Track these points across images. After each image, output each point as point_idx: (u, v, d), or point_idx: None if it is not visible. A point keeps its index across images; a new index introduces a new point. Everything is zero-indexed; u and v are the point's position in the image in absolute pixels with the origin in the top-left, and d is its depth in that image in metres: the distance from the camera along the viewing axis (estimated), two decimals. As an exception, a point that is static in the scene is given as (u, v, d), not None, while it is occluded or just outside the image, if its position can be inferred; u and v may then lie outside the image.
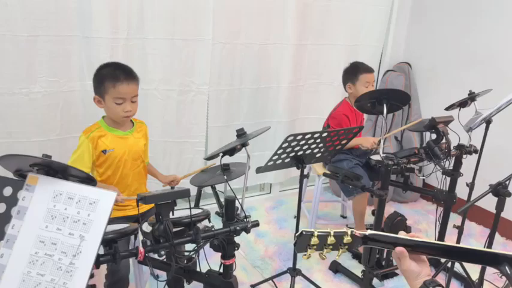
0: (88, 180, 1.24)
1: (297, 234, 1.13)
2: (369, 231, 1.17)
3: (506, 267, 1.11)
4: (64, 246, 1.11)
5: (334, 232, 1.12)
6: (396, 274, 2.47)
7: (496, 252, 1.13)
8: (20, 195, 1.17)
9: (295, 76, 3.11)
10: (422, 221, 3.12)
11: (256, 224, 1.57)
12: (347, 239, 1.14)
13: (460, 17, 3.14)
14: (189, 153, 2.85)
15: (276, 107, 3.11)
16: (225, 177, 1.63)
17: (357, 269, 2.49)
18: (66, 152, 2.47)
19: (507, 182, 1.80)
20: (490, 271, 2.19)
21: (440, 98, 2.61)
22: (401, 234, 1.18)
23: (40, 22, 2.23)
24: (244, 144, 1.61)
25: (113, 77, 1.82)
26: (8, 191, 1.18)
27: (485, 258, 1.16)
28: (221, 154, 1.60)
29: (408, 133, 3.43)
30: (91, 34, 2.39)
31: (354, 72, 2.62)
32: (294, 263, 2.12)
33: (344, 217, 3.17)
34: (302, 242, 1.13)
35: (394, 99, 2.04)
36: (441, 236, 2.53)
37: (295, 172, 3.26)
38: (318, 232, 1.11)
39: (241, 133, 1.68)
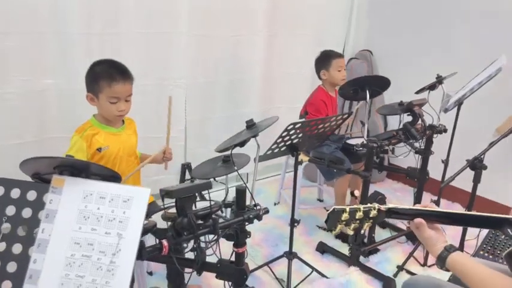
0: (113, 178, 1.23)
1: (328, 212, 1.21)
2: (391, 205, 1.27)
3: (508, 229, 1.25)
4: (102, 246, 1.10)
5: (364, 207, 1.21)
6: (379, 250, 2.63)
7: (499, 216, 1.27)
8: (46, 198, 1.14)
9: (267, 67, 3.17)
10: (392, 199, 3.32)
11: (266, 211, 1.62)
12: (373, 213, 1.23)
13: (419, 4, 3.33)
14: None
15: (250, 97, 3.16)
16: (235, 167, 1.66)
17: (342, 248, 2.63)
18: (43, 153, 2.38)
19: (482, 157, 1.99)
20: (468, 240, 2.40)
21: (399, 82, 2.78)
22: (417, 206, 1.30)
23: (11, 18, 2.12)
24: (254, 136, 1.65)
25: (108, 76, 1.78)
26: (32, 195, 1.15)
27: (490, 222, 1.30)
28: (232, 146, 1.63)
29: (373, 118, 3.61)
30: (64, 30, 2.31)
31: (326, 59, 2.73)
32: (290, 247, 2.21)
33: (321, 200, 3.30)
34: (333, 219, 1.21)
35: (375, 85, 2.16)
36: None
37: (270, 161, 3.36)
38: (350, 208, 1.20)
39: (251, 124, 1.71)
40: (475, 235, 2.53)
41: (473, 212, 1.33)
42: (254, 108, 3.19)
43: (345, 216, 1.23)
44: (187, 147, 2.98)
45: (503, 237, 2.53)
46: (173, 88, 2.74)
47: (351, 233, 1.26)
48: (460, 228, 2.38)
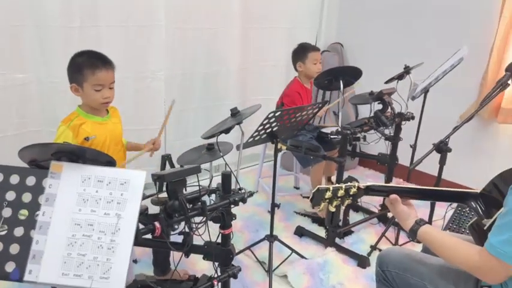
0: (109, 163, 1.30)
1: (313, 191, 1.33)
2: (369, 183, 1.40)
3: (472, 202, 1.40)
4: (101, 226, 1.18)
5: (345, 185, 1.34)
6: (353, 232, 2.78)
7: (464, 191, 1.42)
8: (45, 183, 1.20)
9: (243, 59, 3.26)
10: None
11: (251, 194, 1.72)
12: (353, 191, 1.36)
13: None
14: (148, 139, 2.88)
15: (227, 89, 3.24)
16: (221, 153, 1.75)
17: (318, 231, 2.76)
18: (24, 147, 2.40)
19: (447, 140, 2.15)
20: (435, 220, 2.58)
21: (370, 73, 2.92)
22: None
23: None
24: (239, 123, 1.74)
25: (91, 64, 1.83)
26: (31, 180, 1.20)
27: (456, 197, 1.44)
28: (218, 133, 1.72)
29: (345, 108, 3.75)
30: (44, 23, 2.33)
31: (302, 51, 2.84)
32: (271, 230, 2.31)
33: (297, 188, 3.43)
34: (318, 197, 1.33)
35: (348, 75, 2.29)
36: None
37: (249, 151, 3.46)
38: (333, 187, 1.32)
39: (235, 112, 1.80)
40: (442, 216, 2.72)
41: (441, 188, 1.47)
42: (231, 100, 3.27)
43: (328, 194, 1.35)
44: (167, 138, 3.03)
45: (466, 216, 2.74)
46: (152, 80, 2.79)
47: (333, 209, 1.38)
48: (427, 210, 2.55)
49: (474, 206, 1.38)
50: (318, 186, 1.35)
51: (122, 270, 1.15)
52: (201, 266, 2.32)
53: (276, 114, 1.86)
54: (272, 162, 3.38)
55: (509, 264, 1.14)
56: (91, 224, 1.18)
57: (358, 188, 1.38)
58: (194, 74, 3.03)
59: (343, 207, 1.48)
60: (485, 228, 1.30)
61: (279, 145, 2.81)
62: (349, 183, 1.37)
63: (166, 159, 2.54)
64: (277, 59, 3.45)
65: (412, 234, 1.37)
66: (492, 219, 1.26)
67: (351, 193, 1.37)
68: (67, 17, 2.37)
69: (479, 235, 1.34)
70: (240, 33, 3.15)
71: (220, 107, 3.26)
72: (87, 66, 1.83)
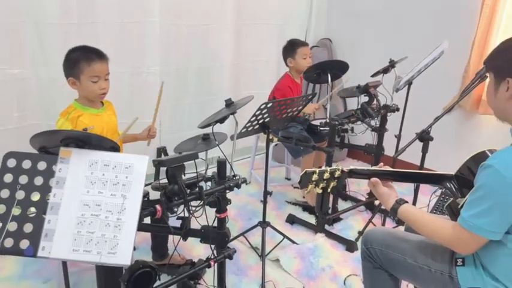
0: (113, 149, 1.40)
1: (301, 174, 1.45)
2: (352, 167, 1.53)
3: (447, 183, 1.52)
4: (108, 206, 1.28)
5: (330, 169, 1.46)
6: (341, 219, 2.91)
7: (439, 173, 1.54)
8: (55, 168, 1.30)
9: (236, 55, 3.36)
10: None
11: (244, 180, 1.83)
12: (338, 174, 1.48)
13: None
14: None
15: (221, 84, 3.34)
16: (217, 142, 1.86)
17: (309, 219, 2.89)
18: (25, 140, 2.47)
19: (429, 129, 2.28)
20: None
21: (358, 67, 3.04)
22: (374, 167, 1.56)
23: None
24: (233, 113, 1.85)
25: (86, 57, 1.93)
26: (42, 165, 1.30)
27: (433, 178, 1.57)
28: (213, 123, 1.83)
29: (334, 101, 3.88)
30: (43, 20, 2.41)
31: (292, 47, 2.95)
32: (264, 217, 2.42)
33: (288, 179, 3.55)
34: (305, 179, 1.45)
35: (336, 68, 2.41)
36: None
37: (241, 144, 3.56)
38: (319, 170, 1.44)
39: (229, 103, 1.91)
40: (426, 203, 2.86)
41: (418, 171, 1.60)
42: (224, 94, 3.34)
43: (314, 177, 1.47)
44: (161, 133, 3.13)
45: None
46: (147, 75, 2.88)
47: (319, 191, 1.50)
48: (411, 197, 2.67)
49: (449, 186, 1.51)
50: (306, 169, 1.47)
51: (128, 246, 1.25)
52: (197, 252, 2.43)
53: (268, 105, 1.97)
54: (264, 155, 3.52)
55: (479, 236, 1.26)
56: (98, 204, 1.28)
57: (342, 171, 1.50)
58: (188, 69, 3.13)
59: (331, 194, 1.59)
60: (459, 206, 1.42)
61: (271, 137, 2.94)
62: (333, 167, 1.49)
63: (161, 151, 2.64)
64: (268, 55, 3.56)
65: (393, 213, 1.49)
66: (465, 198, 1.38)
67: (336, 175, 1.49)
68: (65, 14, 2.46)
69: (455, 213, 1.46)
70: (232, 30, 3.25)
71: (214, 101, 3.35)
72: (82, 59, 1.93)
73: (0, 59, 2.33)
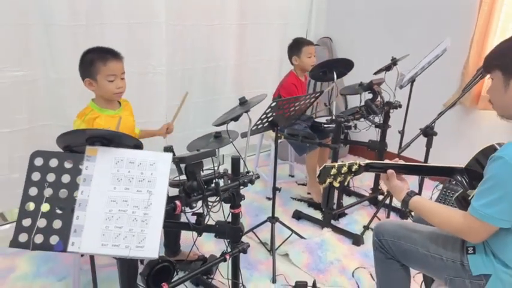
0: (137, 146, 1.44)
1: (321, 168, 1.50)
2: (369, 161, 1.58)
3: (458, 176, 1.59)
4: (135, 201, 1.32)
5: (348, 163, 1.51)
6: (346, 214, 2.97)
7: (450, 166, 1.60)
8: (82, 166, 1.34)
9: (239, 54, 3.41)
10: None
11: (258, 177, 1.88)
12: (355, 168, 1.54)
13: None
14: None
15: (225, 84, 3.39)
16: (231, 139, 1.91)
17: (315, 214, 2.95)
18: (36, 141, 2.53)
19: (433, 125, 2.34)
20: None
21: (358, 65, 3.08)
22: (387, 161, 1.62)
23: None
24: (247, 111, 1.90)
25: (102, 57, 1.97)
26: (68, 164, 1.34)
27: (444, 171, 1.63)
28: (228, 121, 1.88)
29: (335, 99, 3.94)
30: (50, 22, 2.44)
31: (297, 46, 3.00)
32: (273, 212, 2.48)
33: (292, 176, 3.61)
34: (324, 174, 1.51)
35: (341, 66, 2.46)
36: (377, 176, 3.10)
37: (244, 142, 3.60)
38: (337, 164, 1.49)
39: (243, 101, 1.96)
40: (429, 197, 2.93)
41: (431, 164, 1.65)
42: (228, 94, 3.42)
43: (333, 171, 1.53)
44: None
45: (451, 196, 2.94)
46: (154, 75, 2.92)
47: (337, 185, 1.56)
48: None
49: (460, 179, 1.57)
50: (325, 164, 1.52)
51: (155, 240, 1.30)
52: (208, 248, 2.48)
53: (277, 104, 2.02)
54: (268, 152, 3.59)
55: (489, 224, 1.33)
56: (125, 200, 1.32)
57: (359, 165, 1.56)
58: (193, 69, 3.17)
59: (337, 190, 1.62)
60: (469, 198, 1.48)
61: (272, 136, 2.99)
62: (351, 161, 1.55)
63: (168, 150, 2.69)
64: (271, 54, 3.61)
65: (405, 205, 1.55)
66: (476, 190, 1.44)
67: (353, 170, 1.55)
68: (74, 15, 2.49)
69: (463, 205, 1.52)
70: (235, 30, 3.30)
71: (218, 101, 3.41)
72: (98, 59, 1.96)
73: (9, 61, 2.35)
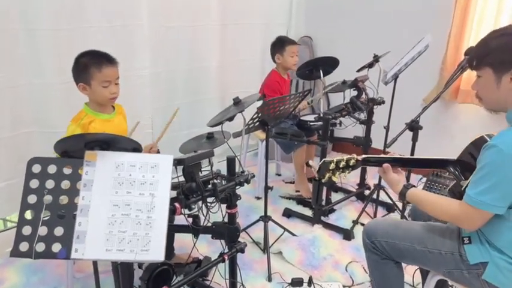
0: (136, 150, 1.43)
1: (320, 163, 1.52)
2: (364, 155, 1.62)
3: (451, 168, 1.63)
4: (138, 205, 1.31)
5: (346, 158, 1.54)
6: (335, 209, 3.01)
7: (443, 158, 1.65)
8: (82, 171, 1.32)
9: (222, 55, 3.41)
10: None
11: (253, 176, 1.89)
12: (353, 162, 1.57)
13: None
14: (137, 135, 2.97)
15: (209, 84, 3.38)
16: (225, 139, 1.91)
17: (304, 211, 2.98)
18: (19, 148, 2.46)
19: (418, 119, 2.40)
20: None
21: (339, 63, 3.15)
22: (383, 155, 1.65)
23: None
24: (241, 111, 1.90)
25: (96, 62, 1.93)
26: (67, 169, 1.32)
27: (437, 164, 1.67)
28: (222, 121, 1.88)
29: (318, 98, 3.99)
30: (32, 27, 2.38)
31: (281, 44, 3.02)
32: (265, 211, 2.49)
33: (279, 175, 3.63)
34: (323, 168, 1.53)
35: (327, 65, 2.50)
36: (363, 171, 3.16)
37: (230, 143, 3.60)
38: (336, 159, 1.52)
39: (237, 101, 1.96)
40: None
41: (425, 157, 1.70)
42: (213, 94, 3.42)
43: (332, 166, 1.55)
44: (155, 134, 3.14)
45: (435, 188, 3.03)
46: (137, 78, 2.88)
47: (336, 179, 1.58)
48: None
49: (453, 170, 1.62)
50: (324, 159, 1.55)
51: (161, 243, 1.29)
52: (201, 250, 2.46)
53: (268, 103, 2.03)
54: (255, 152, 3.60)
55: (485, 211, 1.37)
56: (128, 204, 1.31)
57: (357, 159, 1.59)
58: (177, 70, 3.15)
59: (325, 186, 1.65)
60: (462, 188, 1.52)
61: (263, 134, 3.00)
62: (349, 156, 1.58)
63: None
64: (253, 54, 3.63)
65: (402, 197, 1.59)
66: (468, 180, 1.49)
67: (351, 164, 1.58)
68: (55, 19, 2.43)
69: (457, 196, 1.57)
70: (218, 30, 3.30)
71: (203, 102, 3.40)
72: (92, 64, 1.93)
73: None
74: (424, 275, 1.86)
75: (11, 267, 2.31)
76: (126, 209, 1.31)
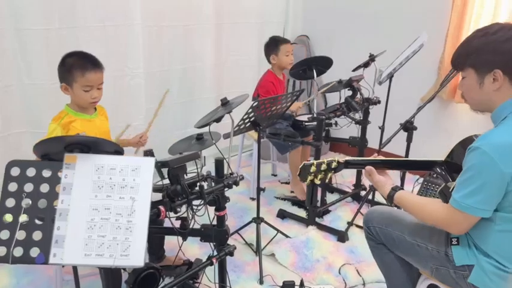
0: (117, 152, 1.41)
1: (300, 166, 1.50)
2: (348, 158, 1.59)
3: (438, 169, 1.60)
4: (117, 209, 1.28)
5: (327, 160, 1.52)
6: (330, 211, 2.98)
7: (430, 160, 1.62)
8: (61, 174, 1.29)
9: (217, 54, 3.38)
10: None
11: (242, 178, 1.86)
12: (334, 165, 1.54)
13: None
14: (131, 135, 2.96)
15: (203, 84, 3.36)
16: (213, 140, 1.88)
17: (299, 212, 2.95)
18: (9, 149, 2.44)
19: (413, 119, 2.37)
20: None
21: (336, 63, 3.10)
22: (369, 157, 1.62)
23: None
24: (229, 112, 1.87)
25: (81, 65, 1.90)
26: (47, 172, 1.29)
27: (424, 165, 1.64)
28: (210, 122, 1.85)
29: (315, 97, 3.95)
30: (22, 26, 2.37)
31: (275, 44, 2.98)
32: (258, 213, 2.46)
33: (275, 175, 3.60)
34: (304, 171, 1.50)
35: (320, 64, 2.46)
36: (359, 172, 3.13)
37: (227, 143, 3.58)
38: (316, 162, 1.49)
39: (225, 102, 1.93)
40: (410, 190, 2.96)
41: (410, 158, 1.67)
42: (207, 94, 3.39)
43: (313, 168, 1.52)
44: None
45: (431, 189, 2.98)
46: (131, 78, 2.87)
47: (318, 182, 1.56)
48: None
49: (439, 171, 1.59)
50: (304, 162, 1.52)
51: (141, 248, 1.26)
52: (193, 252, 2.45)
53: (259, 103, 2.00)
54: (250, 152, 3.57)
55: (470, 215, 1.34)
56: (108, 208, 1.29)
57: (338, 162, 1.56)
58: (171, 70, 3.13)
59: (319, 187, 1.64)
60: (450, 190, 1.49)
61: (253, 136, 2.98)
62: (330, 159, 1.55)
63: (148, 154, 2.64)
64: (249, 53, 3.60)
65: (389, 200, 1.56)
66: (455, 182, 1.46)
67: (333, 167, 1.55)
68: (46, 19, 2.42)
69: (447, 197, 1.54)
70: (213, 29, 3.27)
71: (198, 102, 3.38)
72: (77, 67, 1.90)
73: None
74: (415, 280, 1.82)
75: (1, 270, 2.29)
76: (105, 213, 1.28)
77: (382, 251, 1.74)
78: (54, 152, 1.34)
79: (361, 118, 2.94)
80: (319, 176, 1.55)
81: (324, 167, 1.54)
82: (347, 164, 1.59)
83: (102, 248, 1.26)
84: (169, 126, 3.28)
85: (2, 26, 2.29)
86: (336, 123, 2.93)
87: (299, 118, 3.06)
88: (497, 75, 1.34)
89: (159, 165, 1.49)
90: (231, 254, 1.90)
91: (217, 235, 1.87)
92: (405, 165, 1.71)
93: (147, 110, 3.03)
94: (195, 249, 2.48)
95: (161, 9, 2.93)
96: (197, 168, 1.63)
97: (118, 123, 2.86)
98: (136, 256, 1.26)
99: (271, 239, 2.57)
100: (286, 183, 3.40)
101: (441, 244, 1.52)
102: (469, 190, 1.33)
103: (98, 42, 2.65)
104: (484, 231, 1.41)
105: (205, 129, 2.09)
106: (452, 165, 1.57)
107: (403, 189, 1.56)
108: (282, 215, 2.91)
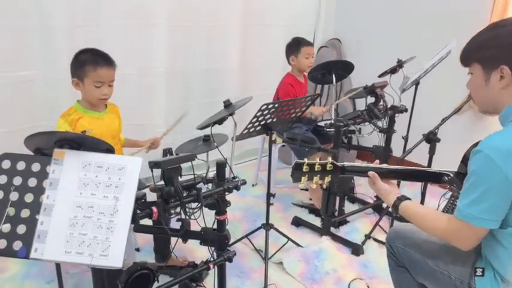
0: (109, 151, 1.39)
1: (292, 166, 1.42)
2: (345, 163, 1.49)
3: (448, 180, 1.48)
4: (101, 207, 1.27)
5: (321, 161, 1.43)
6: (348, 221, 2.86)
7: (437, 171, 1.49)
8: (49, 169, 1.29)
9: (242, 56, 3.34)
10: (360, 178, 3.55)
11: (244, 182, 1.81)
12: (329, 167, 1.45)
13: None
14: (150, 135, 2.96)
15: (227, 85, 3.33)
16: (215, 143, 1.84)
17: (315, 221, 2.85)
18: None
19: (436, 131, 2.22)
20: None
21: (367, 68, 2.99)
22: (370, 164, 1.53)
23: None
24: (231, 114, 1.83)
25: (93, 61, 1.93)
26: (36, 166, 1.30)
27: (431, 176, 1.52)
28: (212, 123, 1.81)
29: (343, 102, 3.83)
30: (47, 23, 2.43)
31: (296, 45, 2.91)
32: (267, 219, 2.40)
33: (296, 181, 3.51)
34: (297, 172, 1.42)
35: (340, 69, 2.37)
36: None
37: (248, 146, 3.54)
38: (308, 161, 1.41)
39: (228, 104, 1.89)
40: (435, 206, 2.80)
41: (417, 168, 1.55)
42: (231, 95, 3.33)
43: (305, 168, 1.44)
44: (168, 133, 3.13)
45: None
46: (153, 77, 2.88)
47: (313, 186, 1.47)
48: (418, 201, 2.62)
49: (450, 182, 1.46)
50: (296, 160, 1.44)
51: (120, 249, 1.24)
52: (199, 254, 2.42)
53: (269, 106, 1.94)
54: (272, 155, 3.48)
55: (473, 225, 1.21)
56: (91, 206, 1.27)
57: (334, 164, 1.46)
58: (195, 70, 3.13)
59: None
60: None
61: (276, 138, 2.91)
62: (325, 160, 1.47)
63: (167, 153, 2.64)
64: (276, 56, 3.51)
65: (395, 209, 1.45)
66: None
67: (327, 169, 1.46)
68: (72, 16, 2.48)
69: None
70: (240, 31, 3.24)
71: (220, 102, 3.34)
72: (89, 62, 1.92)
73: (7, 61, 2.35)
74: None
75: (13, 258, 2.36)
76: (88, 211, 1.27)
77: (403, 274, 1.63)
78: (45, 147, 1.35)
79: (386, 126, 2.80)
80: (315, 178, 1.47)
81: (317, 167, 1.46)
82: (344, 170, 1.49)
83: (82, 247, 1.24)
84: (191, 126, 3.26)
85: (29, 22, 2.35)
86: (359, 131, 2.81)
87: (321, 123, 2.97)
88: (504, 71, 1.23)
89: (152, 166, 1.46)
90: (230, 260, 1.84)
91: (216, 240, 1.82)
92: (411, 175, 1.58)
93: (167, 109, 3.04)
94: (203, 251, 2.43)
95: (187, 9, 2.93)
96: (193, 171, 1.58)
97: (138, 121, 2.92)
98: (115, 257, 1.24)
99: (281, 247, 2.50)
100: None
101: (465, 274, 1.38)
102: (472, 198, 1.21)
103: (121, 40, 2.68)
104: (502, 258, 1.28)
105: (216, 130, 2.06)
106: (463, 175, 1.44)
107: (409, 199, 1.45)
108: (297, 222, 2.83)
